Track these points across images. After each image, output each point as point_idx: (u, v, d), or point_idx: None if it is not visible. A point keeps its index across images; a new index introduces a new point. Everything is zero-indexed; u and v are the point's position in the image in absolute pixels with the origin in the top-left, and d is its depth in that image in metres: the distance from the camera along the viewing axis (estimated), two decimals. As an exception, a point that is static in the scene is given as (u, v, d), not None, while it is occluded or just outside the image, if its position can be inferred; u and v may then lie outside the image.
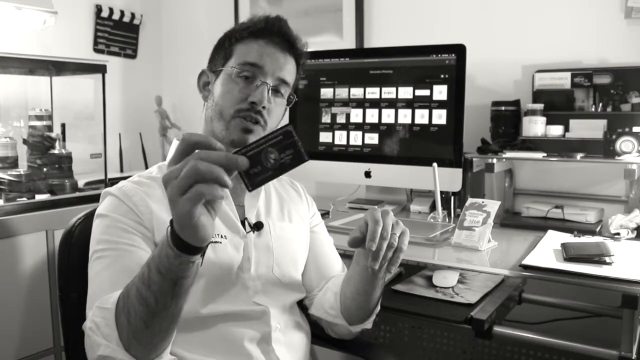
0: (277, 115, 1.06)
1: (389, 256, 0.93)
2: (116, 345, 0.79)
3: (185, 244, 0.71)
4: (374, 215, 0.93)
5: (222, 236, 1.01)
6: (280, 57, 1.05)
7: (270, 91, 1.03)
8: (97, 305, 0.83)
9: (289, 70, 1.06)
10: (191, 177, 0.66)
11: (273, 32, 1.05)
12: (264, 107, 1.01)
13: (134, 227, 0.95)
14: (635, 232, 1.51)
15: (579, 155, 1.57)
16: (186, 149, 0.69)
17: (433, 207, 1.79)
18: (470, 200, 1.51)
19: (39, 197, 1.82)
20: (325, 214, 1.76)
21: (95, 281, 0.92)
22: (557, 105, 1.70)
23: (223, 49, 1.07)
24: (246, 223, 1.06)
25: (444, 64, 1.69)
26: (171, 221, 0.72)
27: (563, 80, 1.70)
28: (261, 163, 0.70)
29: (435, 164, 1.65)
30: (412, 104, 1.75)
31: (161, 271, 0.74)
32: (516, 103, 1.77)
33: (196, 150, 0.69)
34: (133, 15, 2.55)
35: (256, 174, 0.70)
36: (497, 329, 1.23)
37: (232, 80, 1.03)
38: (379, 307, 1.13)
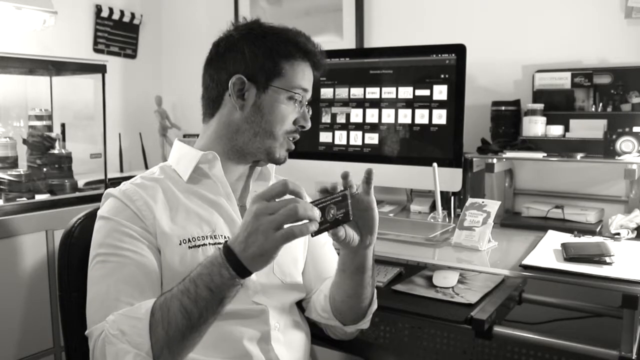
0: None
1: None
2: (146, 354, 0.82)
3: (243, 268, 0.78)
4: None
5: (224, 237, 1.01)
6: (312, 79, 1.08)
7: None
8: (124, 314, 0.85)
9: None
10: (290, 216, 0.76)
11: (313, 53, 1.06)
12: None
13: (139, 232, 0.95)
14: (636, 232, 1.51)
15: (579, 155, 1.57)
16: (283, 191, 0.80)
17: (433, 207, 1.79)
18: (470, 200, 1.51)
19: (39, 197, 1.81)
20: (325, 214, 1.76)
21: (98, 286, 0.92)
22: (557, 105, 1.69)
23: (264, 60, 1.02)
24: None
25: (444, 64, 1.69)
26: (226, 242, 0.80)
27: (563, 80, 1.70)
28: (324, 215, 0.83)
29: (435, 164, 1.65)
30: (412, 104, 1.75)
31: (211, 289, 0.80)
32: (516, 103, 1.77)
33: (288, 196, 0.80)
34: (133, 15, 2.55)
35: (319, 223, 0.81)
36: (497, 329, 1.23)
37: (286, 103, 1.03)
38: (374, 307, 1.12)
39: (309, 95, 1.08)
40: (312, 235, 0.81)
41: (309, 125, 1.07)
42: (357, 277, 1.02)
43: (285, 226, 0.77)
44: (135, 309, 0.85)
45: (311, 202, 0.81)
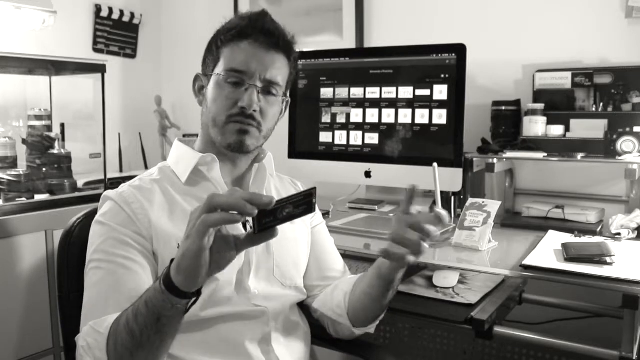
0: (272, 115, 1.05)
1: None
2: None
3: (173, 284, 0.74)
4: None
5: None
6: (266, 57, 1.02)
7: (259, 93, 1.01)
8: (92, 325, 0.86)
9: (278, 68, 1.04)
10: (207, 207, 0.71)
11: (256, 30, 1.02)
12: (254, 111, 1.00)
13: (131, 237, 0.95)
14: (636, 232, 1.50)
15: (579, 155, 1.57)
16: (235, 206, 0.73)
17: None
18: (470, 200, 1.51)
19: (38, 197, 1.81)
20: (325, 214, 1.76)
21: (89, 293, 0.93)
22: (557, 105, 1.69)
23: (212, 52, 1.06)
24: (247, 226, 1.05)
25: (444, 63, 1.68)
26: (172, 260, 0.75)
27: (564, 80, 1.69)
28: (275, 215, 0.74)
29: (435, 164, 1.63)
30: (412, 103, 1.74)
31: (148, 304, 0.77)
32: (517, 103, 1.77)
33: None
34: (133, 15, 2.55)
35: (267, 222, 0.74)
36: (498, 329, 1.23)
37: (220, 87, 1.02)
38: (383, 314, 1.13)
39: (253, 73, 1.00)
40: (255, 232, 0.75)
41: (246, 104, 0.99)
42: (385, 282, 1.02)
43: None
44: (101, 322, 0.85)
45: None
